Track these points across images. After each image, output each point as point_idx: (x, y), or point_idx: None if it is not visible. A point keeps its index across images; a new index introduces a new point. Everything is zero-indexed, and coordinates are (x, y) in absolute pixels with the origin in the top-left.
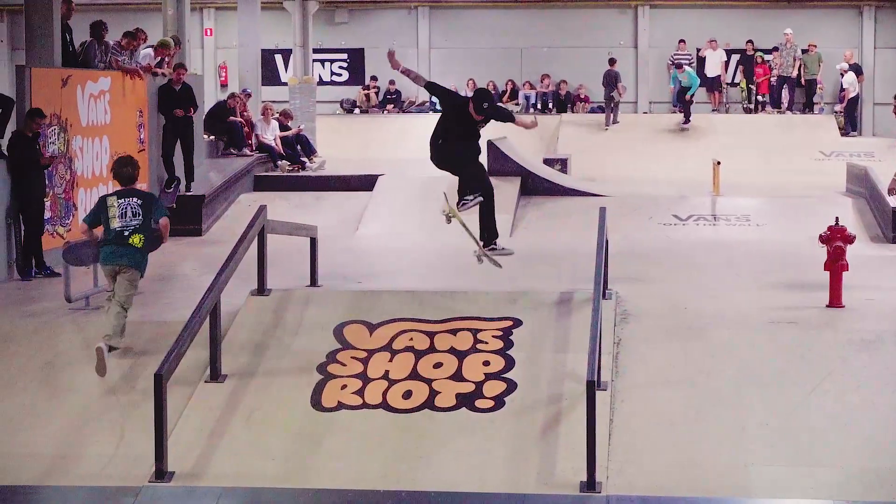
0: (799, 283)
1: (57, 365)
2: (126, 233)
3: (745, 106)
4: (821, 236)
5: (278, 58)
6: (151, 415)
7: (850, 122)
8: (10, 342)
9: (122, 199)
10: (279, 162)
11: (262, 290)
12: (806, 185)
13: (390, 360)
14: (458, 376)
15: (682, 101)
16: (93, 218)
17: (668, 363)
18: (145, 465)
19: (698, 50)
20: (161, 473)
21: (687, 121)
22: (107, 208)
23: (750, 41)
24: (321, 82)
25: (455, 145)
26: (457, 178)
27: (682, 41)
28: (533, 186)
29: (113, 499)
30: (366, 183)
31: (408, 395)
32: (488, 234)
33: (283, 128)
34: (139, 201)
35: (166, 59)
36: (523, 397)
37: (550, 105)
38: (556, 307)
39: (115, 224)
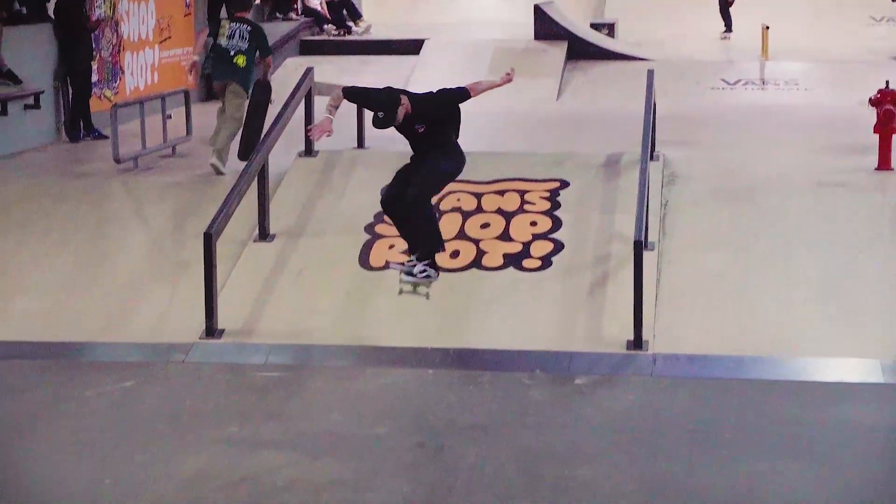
0: (848, 147)
1: (108, 224)
2: (231, 52)
3: None
4: (871, 99)
5: None
6: (201, 274)
7: None
8: (61, 203)
9: (235, 24)
10: (325, 26)
11: (309, 151)
12: (856, 49)
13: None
14: (505, 236)
15: None
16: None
17: (715, 225)
18: (196, 323)
19: None
20: (211, 331)
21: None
22: (220, 28)
23: None
24: None
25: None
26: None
27: None
28: (580, 51)
29: (165, 355)
30: (412, 47)
31: (455, 254)
32: (426, 243)
33: None
34: (248, 28)
35: None
36: (570, 257)
37: None
38: (603, 169)
39: (224, 43)
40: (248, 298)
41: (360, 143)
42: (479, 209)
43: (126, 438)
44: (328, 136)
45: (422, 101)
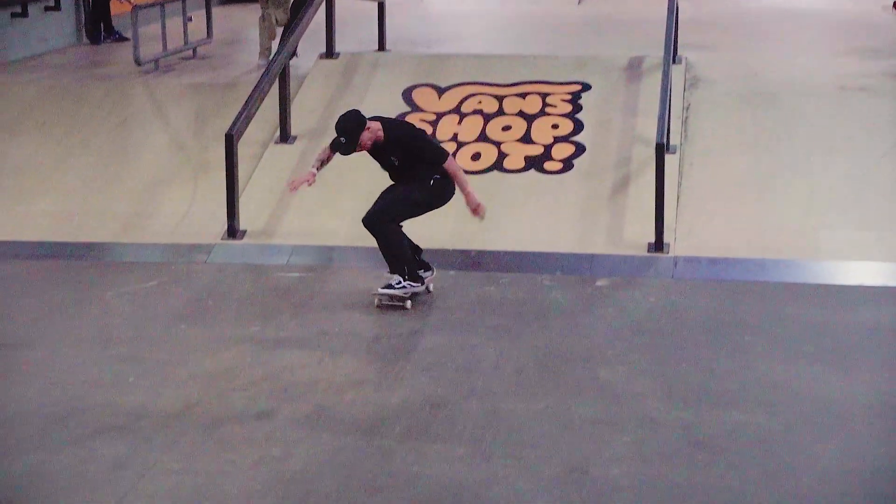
0: (870, 51)
1: (129, 126)
2: None
3: None
4: (895, 3)
5: None
6: (222, 175)
7: None
8: (82, 104)
9: None
10: None
11: (330, 53)
12: None
13: (459, 123)
14: (526, 139)
15: None
16: None
17: (737, 129)
18: (217, 224)
19: None
20: (233, 231)
21: None
22: None
23: None
24: None
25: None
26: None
27: None
28: None
29: (187, 255)
30: None
31: (477, 157)
32: (393, 265)
33: None
34: None
35: None
36: (592, 160)
37: None
38: (625, 72)
39: None
40: (269, 200)
41: (382, 46)
42: (501, 112)
43: (149, 338)
44: (308, 185)
45: (395, 129)
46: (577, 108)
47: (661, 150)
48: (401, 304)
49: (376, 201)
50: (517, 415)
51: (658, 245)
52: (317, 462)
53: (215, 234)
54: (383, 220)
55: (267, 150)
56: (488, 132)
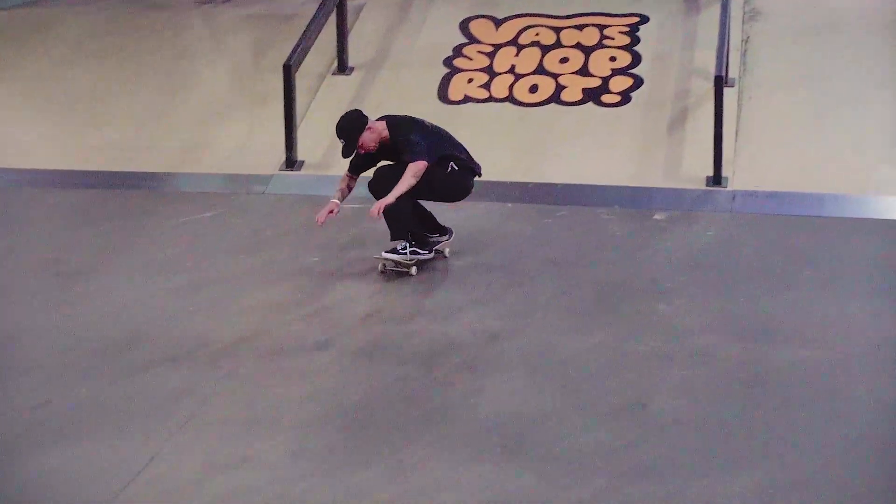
0: None
1: (187, 57)
2: None
3: None
4: None
5: None
6: (280, 106)
7: None
8: (140, 35)
9: None
10: None
11: None
12: None
13: (516, 55)
14: (584, 71)
15: None
16: None
17: (796, 62)
18: (275, 155)
19: None
20: (291, 162)
21: None
22: None
23: None
24: None
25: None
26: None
27: None
28: None
29: (245, 185)
30: None
31: (534, 89)
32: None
33: None
34: None
35: None
36: (650, 93)
37: None
38: (683, 4)
39: None
40: (326, 131)
41: None
42: (558, 44)
43: (207, 268)
44: (334, 216)
45: (397, 129)
46: (635, 40)
47: (720, 83)
48: (406, 270)
49: (388, 177)
50: (573, 348)
51: (716, 179)
52: (374, 394)
53: (273, 165)
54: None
55: (324, 81)
56: (546, 64)
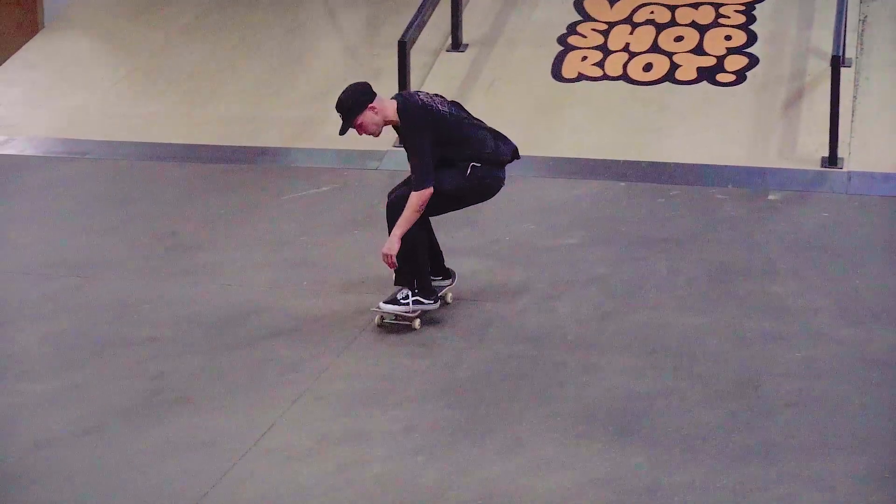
0: None
1: (301, 32)
2: None
3: None
4: None
5: None
6: (394, 82)
7: None
8: (255, 10)
9: None
10: None
11: None
12: None
13: (631, 33)
14: (699, 50)
15: None
16: None
17: None
18: (388, 131)
19: None
20: None
21: None
22: None
23: None
24: None
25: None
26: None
27: None
28: None
29: (358, 161)
30: None
31: (648, 67)
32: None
33: None
34: None
35: None
36: (765, 72)
37: None
38: None
39: None
40: None
41: None
42: (673, 22)
43: (321, 242)
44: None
45: (406, 116)
46: (751, 19)
47: (837, 62)
48: (407, 323)
49: (405, 182)
50: (687, 327)
51: (832, 159)
52: (486, 370)
53: (386, 141)
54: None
55: (438, 58)
56: (660, 42)
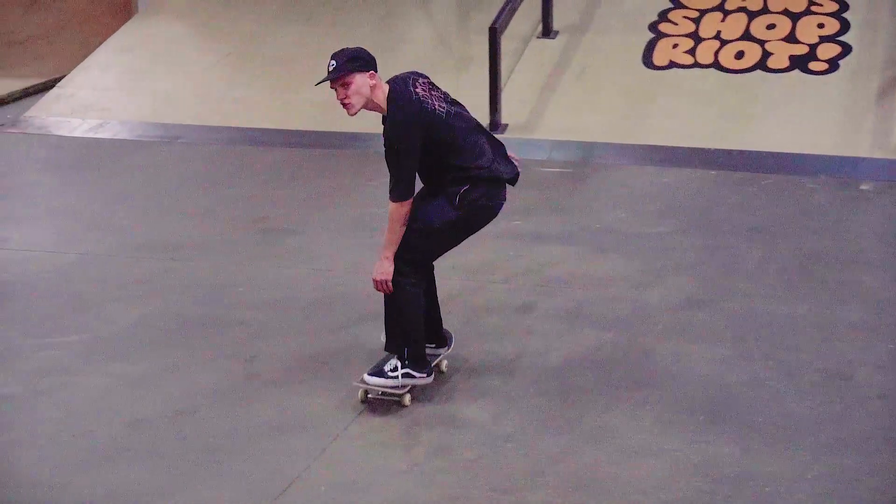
0: None
1: (392, 19)
2: None
3: None
4: None
5: None
6: (485, 69)
7: None
8: None
9: None
10: None
11: None
12: None
13: (722, 20)
14: (791, 38)
15: None
16: None
17: None
18: (478, 117)
19: None
20: (495, 125)
21: None
22: None
23: None
24: None
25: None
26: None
27: None
28: None
29: None
30: None
31: (740, 55)
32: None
33: None
34: None
35: None
36: (858, 61)
37: None
38: None
39: None
40: (530, 94)
41: None
42: (765, 10)
43: None
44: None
45: (393, 109)
46: (844, 6)
47: None
48: (396, 399)
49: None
50: (778, 317)
51: None
52: (576, 357)
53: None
54: (399, 260)
55: (529, 44)
56: (752, 30)
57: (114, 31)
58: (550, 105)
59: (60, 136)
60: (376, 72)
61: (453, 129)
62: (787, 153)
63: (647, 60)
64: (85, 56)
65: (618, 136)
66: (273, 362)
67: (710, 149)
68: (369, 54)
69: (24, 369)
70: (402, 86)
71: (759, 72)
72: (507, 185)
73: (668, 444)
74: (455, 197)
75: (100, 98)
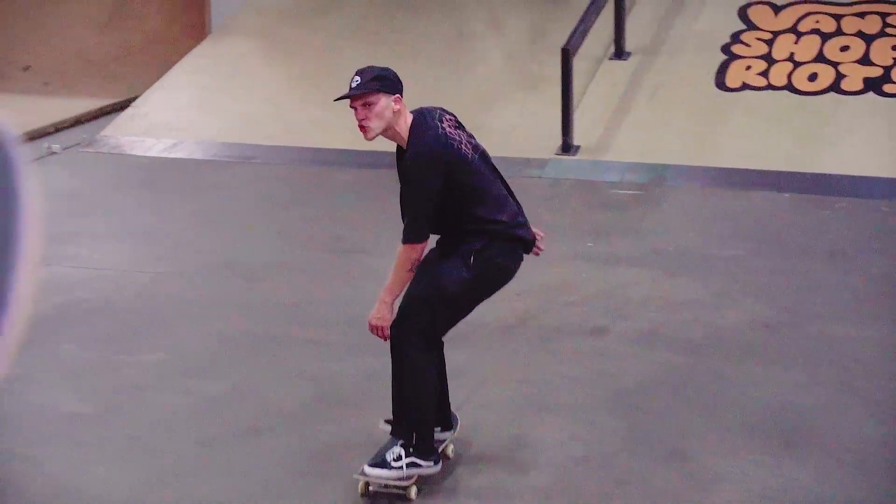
0: None
1: (463, 38)
2: None
3: None
4: None
5: None
6: (557, 90)
7: None
8: (417, 15)
9: None
10: None
11: None
12: None
13: (796, 42)
14: (865, 60)
15: None
16: None
17: None
18: (550, 139)
19: None
20: (567, 146)
21: None
22: None
23: None
24: None
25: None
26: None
27: None
28: None
29: (520, 169)
30: None
31: (813, 77)
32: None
33: None
34: None
35: None
36: None
37: None
38: None
39: None
40: (602, 116)
41: None
42: (839, 31)
43: None
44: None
45: (415, 141)
46: None
47: None
48: (400, 492)
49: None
50: (852, 341)
51: None
52: (649, 380)
53: (549, 148)
54: (409, 329)
55: (601, 65)
56: (826, 52)
57: (188, 52)
58: (623, 126)
59: (135, 155)
60: (402, 96)
61: (477, 175)
62: (860, 176)
63: (720, 82)
64: (159, 76)
65: (690, 158)
66: (346, 382)
67: (783, 171)
68: (397, 76)
69: (99, 387)
70: (428, 118)
71: (832, 94)
72: (523, 251)
73: (742, 469)
74: (469, 255)
75: (174, 118)
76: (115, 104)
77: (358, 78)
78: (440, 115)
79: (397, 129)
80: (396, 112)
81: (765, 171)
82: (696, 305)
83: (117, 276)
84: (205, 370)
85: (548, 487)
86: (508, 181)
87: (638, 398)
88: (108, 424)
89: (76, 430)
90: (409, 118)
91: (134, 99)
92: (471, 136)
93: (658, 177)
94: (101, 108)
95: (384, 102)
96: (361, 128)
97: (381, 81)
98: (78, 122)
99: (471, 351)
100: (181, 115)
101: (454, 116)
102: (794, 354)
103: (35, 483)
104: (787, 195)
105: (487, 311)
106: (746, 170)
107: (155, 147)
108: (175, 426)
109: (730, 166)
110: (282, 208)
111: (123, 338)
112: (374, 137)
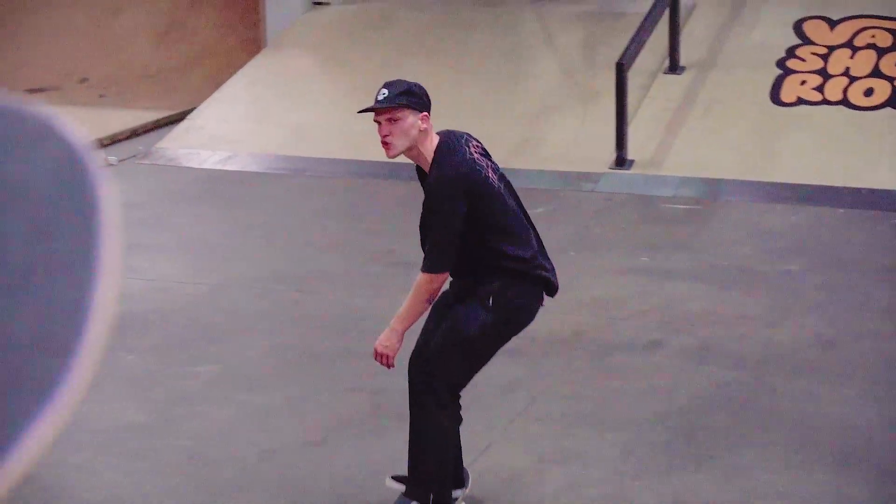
0: None
1: (518, 53)
2: None
3: None
4: None
5: None
6: (611, 104)
7: None
8: (472, 31)
9: None
10: None
11: None
12: None
13: (851, 57)
14: None
15: None
16: None
17: None
18: (605, 153)
19: None
20: (621, 161)
21: None
22: None
23: None
24: None
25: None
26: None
27: None
28: None
29: (574, 183)
30: None
31: (869, 92)
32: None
33: None
34: None
35: None
36: None
37: None
38: None
39: None
40: (657, 130)
41: None
42: (895, 46)
43: None
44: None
45: (441, 164)
46: None
47: None
48: None
49: (426, 323)
50: None
51: None
52: (704, 396)
53: (603, 162)
54: (437, 384)
55: (655, 80)
56: (882, 67)
57: (243, 65)
58: (677, 141)
59: (190, 167)
60: (429, 110)
61: (501, 206)
62: None
63: (775, 97)
64: (215, 89)
65: (745, 172)
66: (402, 396)
67: (838, 186)
68: (426, 93)
69: (156, 399)
70: (455, 141)
71: (888, 109)
72: (545, 292)
73: (797, 487)
74: (487, 298)
75: (229, 130)
76: (170, 116)
77: (385, 91)
78: (467, 139)
79: (422, 149)
80: (423, 131)
81: (820, 187)
82: (751, 321)
83: (173, 288)
84: (259, 382)
85: (602, 503)
86: (563, 195)
87: (692, 414)
88: (164, 435)
89: (132, 440)
90: (435, 140)
91: (190, 111)
92: (496, 165)
93: (712, 191)
94: (156, 121)
95: (411, 120)
96: (384, 144)
97: (409, 97)
98: (134, 133)
99: (526, 364)
100: (236, 127)
101: (480, 143)
102: (851, 371)
103: (90, 493)
104: (842, 210)
105: (541, 326)
106: (801, 185)
107: (210, 159)
108: (232, 438)
109: (784, 181)
110: (335, 221)
111: (179, 349)
112: (396, 155)
